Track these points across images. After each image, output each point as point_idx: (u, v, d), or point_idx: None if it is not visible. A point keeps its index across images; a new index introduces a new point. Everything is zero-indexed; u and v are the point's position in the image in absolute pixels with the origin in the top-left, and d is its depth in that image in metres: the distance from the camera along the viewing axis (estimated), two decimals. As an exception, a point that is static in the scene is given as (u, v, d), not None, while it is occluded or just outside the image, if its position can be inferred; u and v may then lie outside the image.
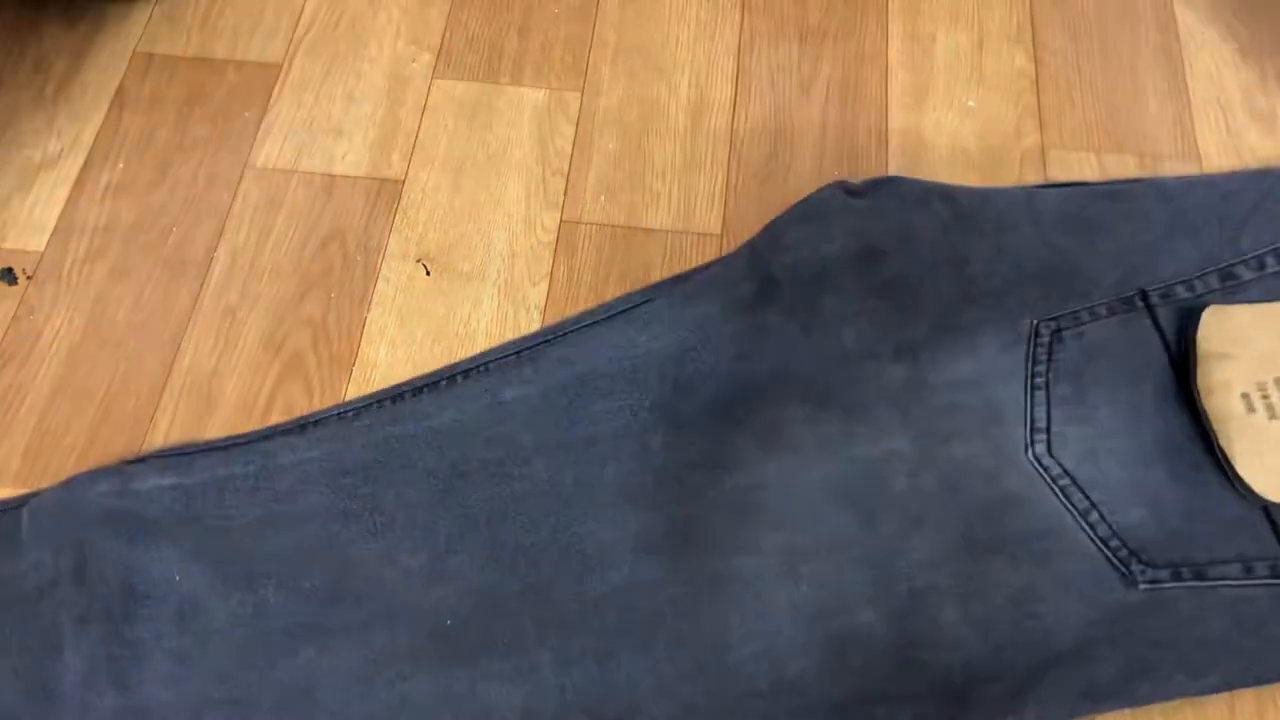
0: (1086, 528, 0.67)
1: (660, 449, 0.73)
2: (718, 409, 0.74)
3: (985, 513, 0.68)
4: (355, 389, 0.88)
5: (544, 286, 0.93)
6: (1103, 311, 0.75)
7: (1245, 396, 0.65)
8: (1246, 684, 0.66)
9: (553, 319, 0.91)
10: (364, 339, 0.90)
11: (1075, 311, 0.75)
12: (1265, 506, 0.67)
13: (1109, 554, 0.66)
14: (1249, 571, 0.66)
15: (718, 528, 0.69)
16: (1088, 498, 0.68)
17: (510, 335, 0.90)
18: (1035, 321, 0.74)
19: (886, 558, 0.68)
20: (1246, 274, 0.75)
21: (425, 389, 0.81)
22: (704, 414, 0.74)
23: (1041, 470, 0.69)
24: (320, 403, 0.87)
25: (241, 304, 0.92)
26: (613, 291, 0.93)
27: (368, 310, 0.92)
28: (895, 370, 0.73)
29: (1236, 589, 0.65)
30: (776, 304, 0.78)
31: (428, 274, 0.94)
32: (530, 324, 0.91)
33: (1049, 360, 0.72)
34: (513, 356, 0.81)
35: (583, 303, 0.92)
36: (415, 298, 0.93)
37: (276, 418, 0.86)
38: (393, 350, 0.90)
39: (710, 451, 0.72)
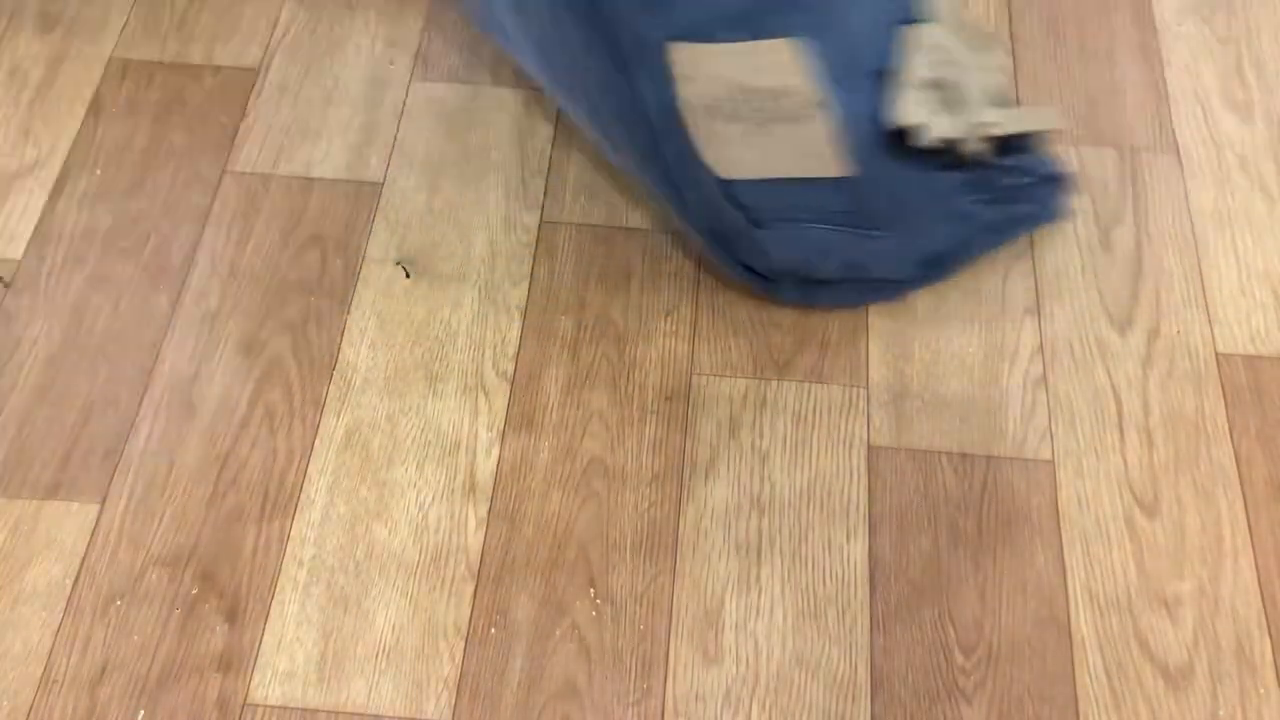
0: None
1: None
2: None
3: None
4: (336, 392, 0.88)
5: (524, 287, 0.93)
6: None
7: (708, 108, 0.81)
8: None
9: (534, 320, 0.91)
10: (344, 342, 0.90)
11: None
12: (720, 180, 0.84)
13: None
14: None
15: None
16: None
17: (491, 337, 0.90)
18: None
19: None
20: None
21: None
22: None
23: None
24: (300, 407, 0.87)
25: (221, 309, 0.92)
26: (594, 290, 0.93)
27: (347, 314, 0.92)
28: None
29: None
30: None
31: (408, 276, 0.93)
32: (511, 325, 0.91)
33: None
34: None
35: (564, 303, 0.92)
36: (395, 300, 0.92)
37: (257, 423, 0.86)
38: (374, 353, 0.90)
39: None
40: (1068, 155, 1.00)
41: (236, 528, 0.82)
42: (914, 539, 0.82)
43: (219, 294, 0.92)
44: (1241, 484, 0.84)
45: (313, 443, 0.86)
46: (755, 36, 0.79)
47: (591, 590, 0.80)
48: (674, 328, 0.91)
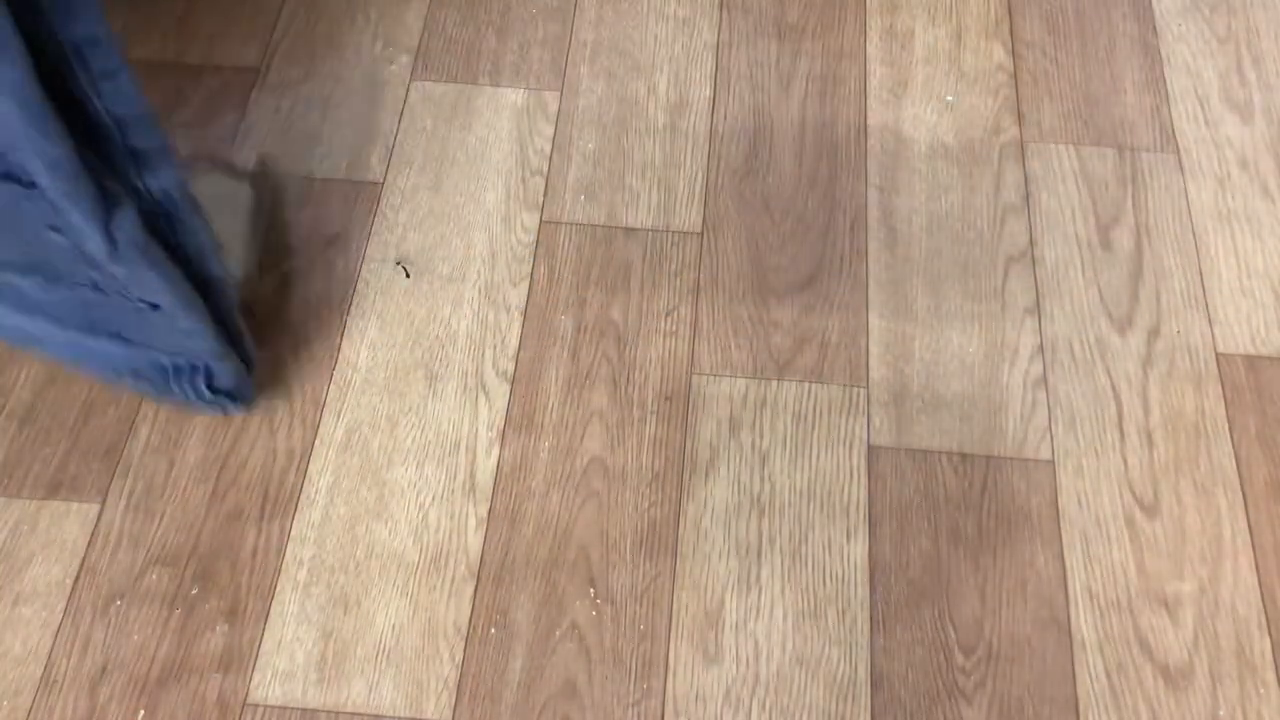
0: None
1: None
2: None
3: None
4: (336, 392, 0.88)
5: (524, 287, 0.93)
6: None
7: None
8: None
9: (534, 320, 0.91)
10: (344, 341, 0.90)
11: None
12: None
13: None
14: None
15: None
16: None
17: (491, 337, 0.91)
18: None
19: None
20: None
21: None
22: None
23: None
24: (300, 407, 0.87)
25: (221, 309, 0.92)
26: (594, 290, 0.93)
27: (347, 314, 0.92)
28: None
29: None
30: None
31: (407, 276, 0.94)
32: (511, 325, 0.91)
33: None
34: None
35: (564, 303, 0.92)
36: (395, 300, 0.92)
37: (257, 423, 0.86)
38: (373, 352, 0.90)
39: None
40: (1067, 155, 1.00)
41: (236, 528, 0.82)
42: (914, 539, 0.82)
43: (219, 294, 0.92)
44: (1241, 484, 0.84)
45: (313, 443, 0.86)
46: None
47: (591, 590, 0.80)
48: (674, 328, 0.91)
